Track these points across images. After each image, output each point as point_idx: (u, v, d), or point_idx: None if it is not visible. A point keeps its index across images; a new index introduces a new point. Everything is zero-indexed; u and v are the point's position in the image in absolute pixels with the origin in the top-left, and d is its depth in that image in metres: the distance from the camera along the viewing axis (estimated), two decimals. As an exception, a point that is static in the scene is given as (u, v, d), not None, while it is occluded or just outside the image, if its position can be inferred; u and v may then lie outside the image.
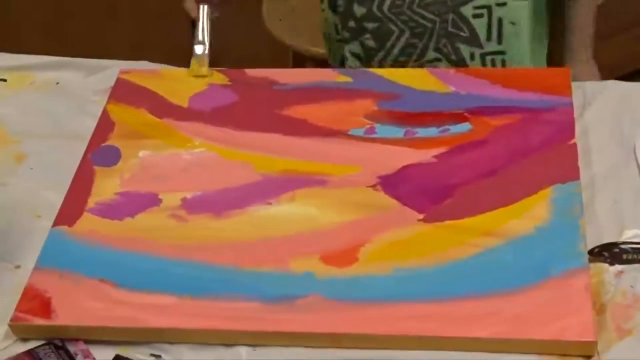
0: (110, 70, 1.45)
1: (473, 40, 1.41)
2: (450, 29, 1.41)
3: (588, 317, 1.01)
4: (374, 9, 1.42)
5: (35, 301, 1.10)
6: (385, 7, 1.42)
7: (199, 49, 1.36)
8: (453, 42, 1.42)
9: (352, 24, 1.45)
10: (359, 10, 1.44)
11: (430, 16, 1.41)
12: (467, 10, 1.39)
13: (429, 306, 1.05)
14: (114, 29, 2.54)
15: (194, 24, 1.39)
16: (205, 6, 1.36)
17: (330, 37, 1.57)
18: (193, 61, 1.37)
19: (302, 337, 1.05)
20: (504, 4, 1.39)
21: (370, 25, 1.44)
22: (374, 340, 1.04)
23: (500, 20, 1.40)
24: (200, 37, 1.36)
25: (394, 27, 1.43)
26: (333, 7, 1.50)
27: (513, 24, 1.41)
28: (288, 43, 1.91)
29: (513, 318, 1.03)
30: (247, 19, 2.12)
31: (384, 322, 1.04)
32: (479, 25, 1.40)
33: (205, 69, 1.36)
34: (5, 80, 1.46)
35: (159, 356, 1.07)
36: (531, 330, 1.01)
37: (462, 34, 1.41)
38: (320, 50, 1.80)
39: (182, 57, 1.41)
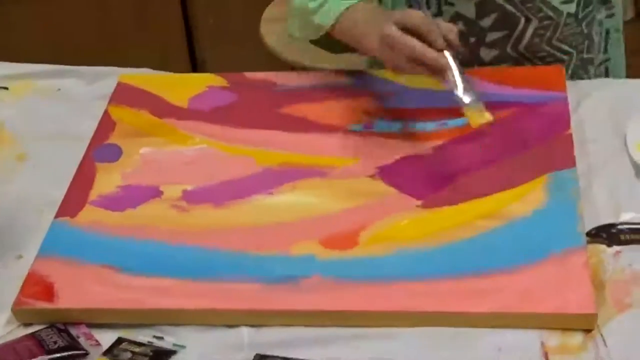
0: (110, 78, 1.46)
1: (597, 57, 1.44)
2: (585, 55, 1.42)
3: (588, 291, 1.02)
4: (509, 49, 1.40)
5: (38, 286, 1.11)
6: (521, 47, 1.39)
7: (467, 97, 1.15)
8: (586, 67, 1.43)
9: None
10: (488, 54, 1.41)
11: (568, 49, 1.40)
12: (596, 34, 1.41)
13: (430, 284, 1.06)
14: (114, 39, 2.57)
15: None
16: (448, 52, 1.16)
17: None
18: (471, 111, 1.16)
19: (304, 315, 1.06)
20: (612, 15, 1.42)
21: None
22: (375, 317, 1.05)
23: (607, 31, 1.43)
24: (460, 85, 1.15)
25: (528, 64, 1.41)
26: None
27: (617, 30, 1.44)
28: (288, 59, 1.93)
29: (513, 294, 1.03)
30: (246, 36, 2.16)
31: (384, 299, 1.05)
32: (598, 41, 1.42)
33: (487, 114, 1.15)
34: (7, 89, 1.47)
35: (162, 338, 1.07)
36: (532, 305, 1.02)
37: (592, 56, 1.43)
38: (319, 65, 1.82)
39: (180, 64, 1.43)
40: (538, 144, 1.22)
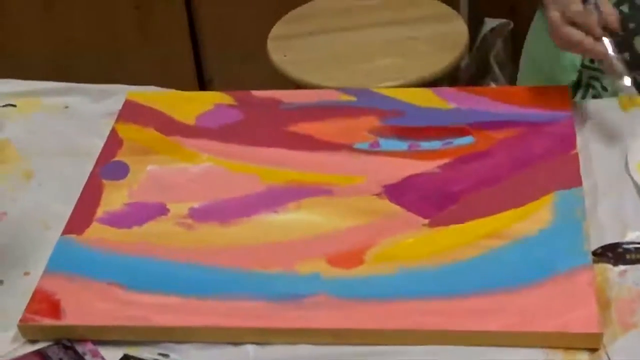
0: (118, 95, 1.47)
1: None
2: None
3: (593, 310, 1.02)
4: None
5: (44, 303, 1.11)
6: None
7: (627, 81, 1.19)
8: None
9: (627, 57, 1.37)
10: None
11: None
12: None
13: (435, 302, 1.06)
14: (121, 57, 2.58)
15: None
16: (610, 37, 1.20)
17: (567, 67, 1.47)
18: (624, 97, 1.25)
19: (309, 333, 1.06)
20: None
21: None
22: (380, 335, 1.05)
23: None
24: (619, 70, 1.19)
25: None
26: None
27: None
28: (295, 78, 1.93)
29: (518, 313, 1.03)
30: (253, 54, 2.17)
31: (390, 317, 1.05)
32: None
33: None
34: (14, 106, 1.48)
35: (167, 355, 1.07)
36: (537, 324, 1.02)
37: None
38: (326, 84, 1.83)
39: (187, 82, 1.44)
40: (544, 163, 1.22)
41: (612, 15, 1.19)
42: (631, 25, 1.36)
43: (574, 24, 1.20)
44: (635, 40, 1.37)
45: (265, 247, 1.16)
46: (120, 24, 2.58)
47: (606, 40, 1.19)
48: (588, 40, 1.19)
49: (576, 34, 1.20)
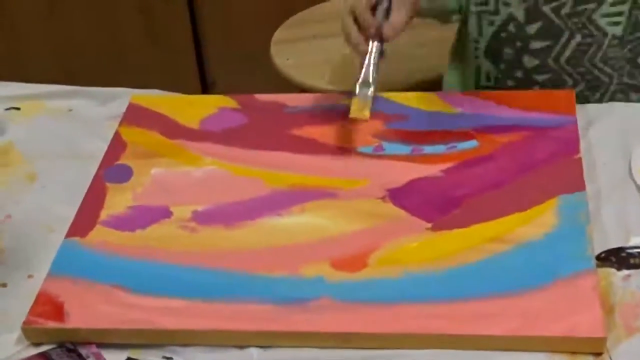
0: (121, 99, 1.47)
1: None
2: (626, 80, 1.42)
3: (597, 314, 1.02)
4: (550, 60, 1.41)
5: (48, 305, 1.11)
6: (562, 60, 1.41)
7: (363, 90, 1.22)
8: (627, 93, 1.43)
9: (519, 74, 1.44)
10: (530, 61, 1.43)
11: (609, 70, 1.41)
12: None
13: (439, 306, 1.06)
14: (124, 60, 2.59)
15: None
16: (377, 42, 1.22)
17: (466, 84, 1.54)
18: (355, 102, 1.23)
19: (314, 336, 1.06)
20: None
21: (541, 78, 1.43)
22: (385, 339, 1.05)
23: None
24: (366, 77, 1.22)
25: (568, 79, 1.42)
26: (493, 56, 1.46)
27: None
28: (298, 81, 1.93)
29: (522, 317, 1.03)
30: (256, 57, 2.17)
31: (393, 321, 1.05)
32: None
33: (367, 113, 1.23)
34: (18, 109, 1.48)
35: (171, 358, 1.08)
36: (541, 328, 1.02)
37: (636, 83, 1.43)
38: (327, 87, 1.83)
39: (190, 86, 1.44)
40: (547, 167, 1.22)
41: (389, 25, 1.23)
42: (518, 44, 1.42)
43: (356, 18, 1.24)
44: (525, 58, 1.42)
45: (269, 250, 1.16)
46: (124, 27, 2.58)
47: (374, 44, 1.22)
48: (355, 35, 1.23)
49: (349, 26, 1.24)
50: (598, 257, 1.11)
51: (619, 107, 1.35)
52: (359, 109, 1.23)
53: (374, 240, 1.15)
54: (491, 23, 1.43)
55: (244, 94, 1.42)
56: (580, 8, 1.37)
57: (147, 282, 1.13)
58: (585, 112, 1.33)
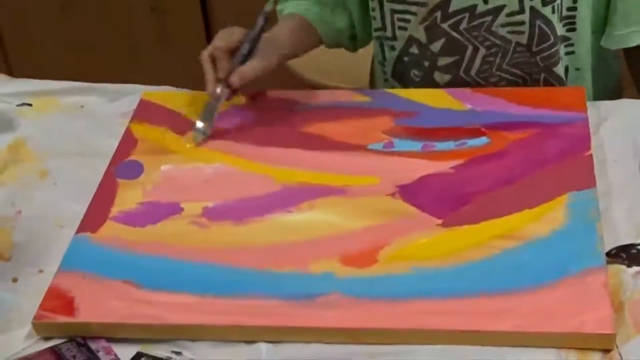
0: (133, 95, 1.48)
1: None
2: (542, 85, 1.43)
3: (606, 311, 1.02)
4: (461, 74, 1.43)
5: (58, 300, 1.12)
6: (473, 72, 1.43)
7: (201, 125, 1.34)
8: None
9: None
10: (442, 77, 1.45)
11: (520, 73, 1.43)
12: (559, 69, 1.42)
13: (448, 302, 1.05)
14: (136, 57, 2.59)
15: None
16: (226, 90, 1.33)
17: None
18: (193, 133, 1.34)
19: (323, 332, 1.06)
20: (572, 53, 1.42)
21: None
22: (394, 335, 1.05)
23: (567, 68, 1.44)
24: (205, 113, 1.34)
25: None
26: (400, 79, 1.50)
27: (577, 69, 1.44)
28: (309, 78, 1.94)
29: (532, 313, 1.03)
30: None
31: (404, 317, 1.05)
32: (558, 75, 1.43)
33: (197, 142, 1.34)
34: (30, 105, 1.49)
35: (180, 353, 1.08)
36: (550, 325, 1.02)
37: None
38: (340, 85, 1.83)
39: (201, 82, 1.44)
40: (558, 164, 1.22)
41: (238, 72, 1.31)
42: (426, 63, 1.44)
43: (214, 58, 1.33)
44: (436, 75, 1.45)
45: (279, 246, 1.16)
46: (137, 24, 2.58)
47: (221, 88, 1.32)
48: (209, 76, 1.32)
49: (205, 65, 1.33)
50: (608, 254, 1.10)
51: (630, 104, 1.34)
52: (191, 139, 1.34)
53: (384, 237, 1.15)
54: (392, 48, 1.46)
55: (255, 90, 1.42)
56: (477, 22, 1.38)
57: (157, 278, 1.13)
58: (596, 109, 1.33)
